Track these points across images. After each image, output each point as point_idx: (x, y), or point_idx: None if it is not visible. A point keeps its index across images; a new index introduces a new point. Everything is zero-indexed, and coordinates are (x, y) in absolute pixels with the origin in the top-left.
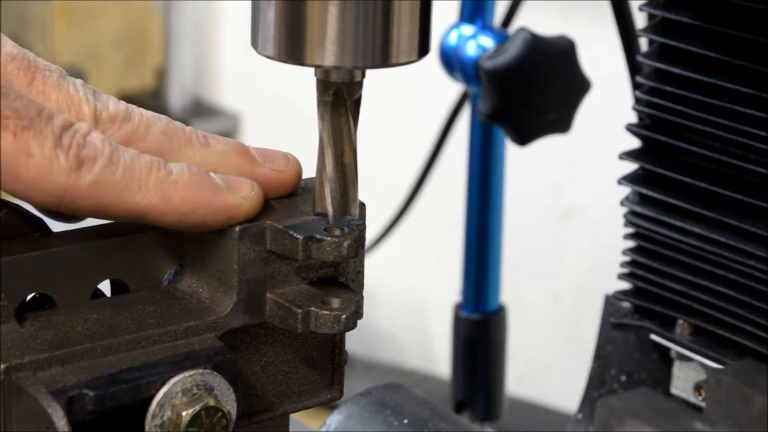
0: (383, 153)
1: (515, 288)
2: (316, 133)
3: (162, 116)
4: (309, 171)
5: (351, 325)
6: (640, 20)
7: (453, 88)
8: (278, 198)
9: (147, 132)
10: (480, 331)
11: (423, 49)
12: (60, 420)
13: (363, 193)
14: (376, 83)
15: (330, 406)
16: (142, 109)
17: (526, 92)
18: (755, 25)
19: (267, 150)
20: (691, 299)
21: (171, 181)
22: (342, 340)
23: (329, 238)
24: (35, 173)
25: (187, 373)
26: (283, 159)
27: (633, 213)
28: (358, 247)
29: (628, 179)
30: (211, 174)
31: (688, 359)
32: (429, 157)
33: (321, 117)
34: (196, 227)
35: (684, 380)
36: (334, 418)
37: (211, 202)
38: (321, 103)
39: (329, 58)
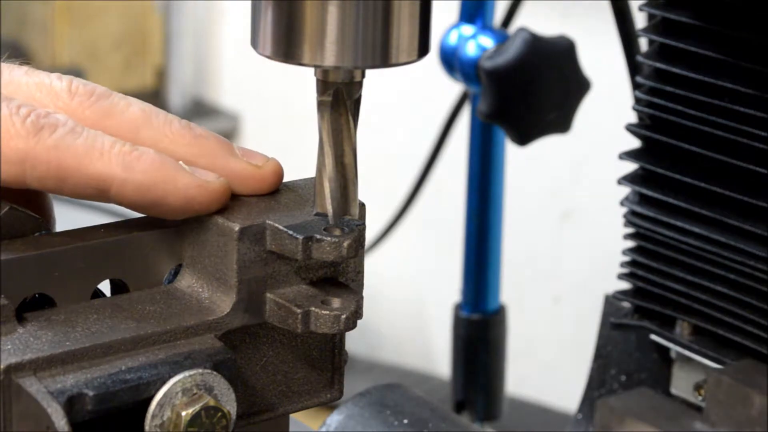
0: (383, 153)
1: (515, 288)
2: (316, 133)
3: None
4: (309, 171)
5: (351, 325)
6: (640, 20)
7: (453, 88)
8: (277, 198)
9: (127, 108)
10: (480, 331)
11: (423, 49)
12: (60, 420)
13: (363, 193)
14: (376, 83)
15: (330, 406)
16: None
17: (526, 92)
18: (755, 25)
19: (248, 150)
20: (691, 299)
21: (134, 155)
22: (342, 340)
23: (329, 238)
24: None
25: (187, 373)
26: (262, 157)
27: (633, 213)
28: (358, 247)
29: (628, 179)
30: (180, 163)
31: (688, 359)
32: (429, 157)
33: (321, 117)
34: (155, 205)
35: (684, 380)
36: (334, 418)
37: (172, 177)
38: (321, 103)
39: (329, 58)
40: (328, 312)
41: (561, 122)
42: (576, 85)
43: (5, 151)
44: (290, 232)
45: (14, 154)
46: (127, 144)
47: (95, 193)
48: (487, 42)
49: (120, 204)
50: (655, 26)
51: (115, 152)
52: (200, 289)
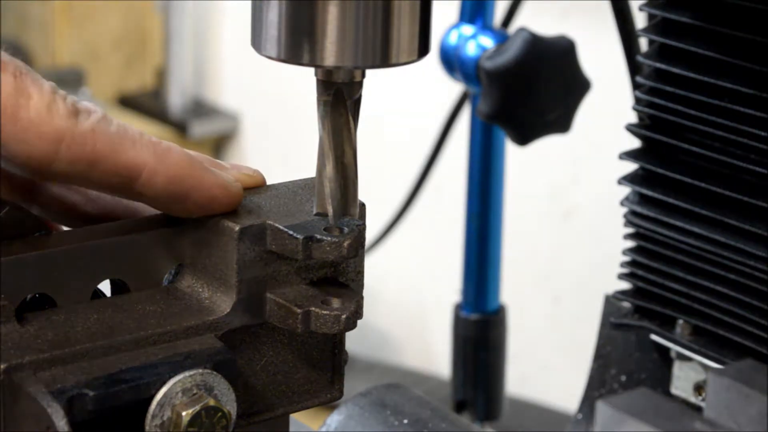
0: (383, 153)
1: (515, 288)
2: (316, 133)
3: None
4: (309, 171)
5: (351, 325)
6: (640, 20)
7: (453, 88)
8: (277, 198)
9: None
10: (480, 331)
11: (423, 49)
12: (60, 420)
13: (363, 193)
14: (376, 83)
15: (330, 406)
16: None
17: (526, 92)
18: (755, 25)
19: (231, 163)
20: (691, 299)
21: (164, 146)
22: (342, 340)
23: (329, 238)
24: (35, 115)
25: (187, 373)
26: (250, 168)
27: (633, 213)
28: (358, 247)
29: (628, 179)
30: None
31: (688, 359)
32: (429, 157)
33: (321, 117)
34: (178, 200)
35: (684, 380)
36: (334, 418)
37: (200, 175)
38: (321, 103)
39: (329, 59)
40: (328, 312)
41: (561, 122)
42: (576, 85)
43: (44, 129)
44: (290, 232)
45: (52, 133)
46: (152, 137)
47: (122, 181)
48: (487, 42)
49: (143, 197)
50: (655, 26)
51: (146, 142)
52: (200, 289)
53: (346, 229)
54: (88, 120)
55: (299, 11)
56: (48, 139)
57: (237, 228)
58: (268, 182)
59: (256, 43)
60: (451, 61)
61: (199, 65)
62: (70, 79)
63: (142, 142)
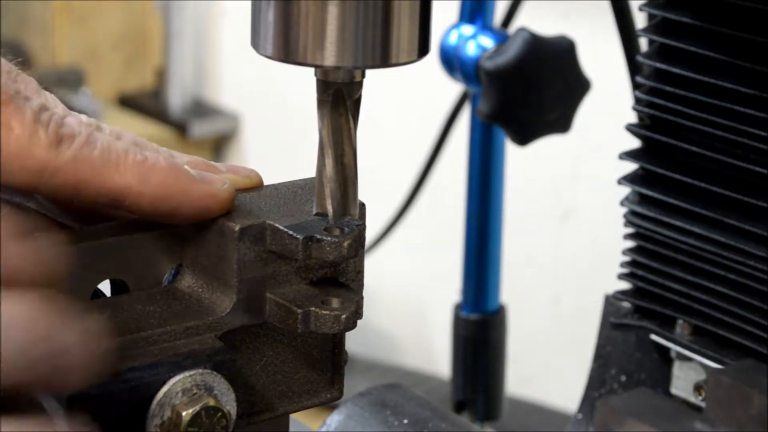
0: (383, 153)
1: (515, 288)
2: (316, 133)
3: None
4: (309, 171)
5: (351, 325)
6: (640, 20)
7: (453, 88)
8: (277, 198)
9: (119, 137)
10: (480, 331)
11: (423, 49)
12: (60, 420)
13: (363, 193)
14: (376, 83)
15: (330, 406)
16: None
17: (526, 92)
18: (755, 25)
19: (228, 164)
20: (691, 299)
21: (148, 164)
22: (342, 340)
23: (329, 238)
24: (15, 147)
25: (187, 373)
26: (246, 169)
27: (633, 213)
28: (358, 247)
29: (628, 179)
30: (186, 167)
31: (688, 359)
32: (429, 157)
33: (321, 117)
34: (169, 215)
35: (684, 380)
36: (334, 418)
37: (186, 189)
38: (321, 103)
39: (329, 58)
40: (328, 312)
41: (561, 122)
42: (576, 85)
43: (26, 161)
44: (290, 232)
45: (34, 164)
46: (138, 152)
47: (109, 203)
48: (487, 42)
49: (132, 214)
50: (655, 26)
51: (130, 163)
52: (200, 289)
53: (346, 229)
54: (70, 148)
55: (299, 11)
56: (30, 170)
57: (237, 228)
58: (268, 182)
59: (256, 42)
60: (451, 61)
61: (199, 65)
62: (70, 79)
63: (126, 164)
